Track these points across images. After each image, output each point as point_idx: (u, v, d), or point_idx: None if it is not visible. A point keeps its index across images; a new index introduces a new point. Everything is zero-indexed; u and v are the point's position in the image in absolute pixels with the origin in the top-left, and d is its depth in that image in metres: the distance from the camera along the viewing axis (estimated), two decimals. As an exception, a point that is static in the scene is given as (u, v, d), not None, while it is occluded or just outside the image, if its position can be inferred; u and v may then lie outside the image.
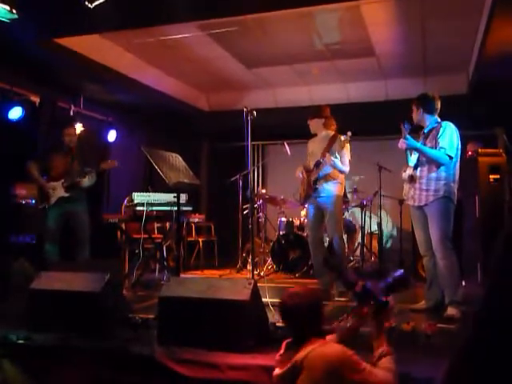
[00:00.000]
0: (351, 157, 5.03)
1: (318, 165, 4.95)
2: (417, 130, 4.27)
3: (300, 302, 2.18)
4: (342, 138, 4.83)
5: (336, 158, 4.83)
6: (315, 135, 5.20)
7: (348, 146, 4.96)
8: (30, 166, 5.36)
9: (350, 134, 4.79)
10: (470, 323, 0.91)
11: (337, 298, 4.77)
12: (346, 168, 4.95)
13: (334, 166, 4.84)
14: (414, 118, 4.25)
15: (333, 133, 5.06)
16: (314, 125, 5.13)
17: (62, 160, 5.43)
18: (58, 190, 5.29)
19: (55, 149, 5.53)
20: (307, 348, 2.06)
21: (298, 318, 2.17)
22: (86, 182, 5.38)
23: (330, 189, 4.92)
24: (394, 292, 2.30)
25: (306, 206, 5.17)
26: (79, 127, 6.47)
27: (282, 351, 2.24)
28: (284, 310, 2.24)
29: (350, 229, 7.17)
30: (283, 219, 7.33)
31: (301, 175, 5.11)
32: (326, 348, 2.06)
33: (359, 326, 2.39)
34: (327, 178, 4.93)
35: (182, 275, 5.00)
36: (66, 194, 5.28)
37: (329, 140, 4.98)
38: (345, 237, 5.28)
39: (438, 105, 4.19)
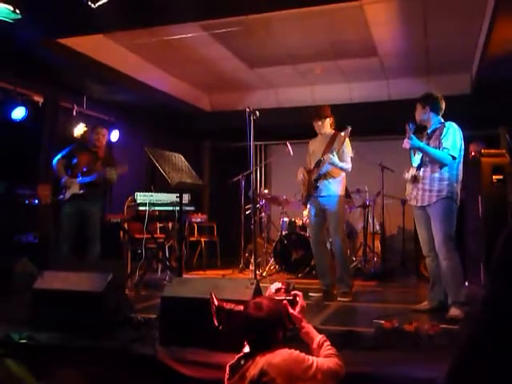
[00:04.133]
0: (353, 154, 5.00)
1: (318, 164, 4.94)
2: (421, 130, 4.26)
3: (262, 315, 2.17)
4: (342, 133, 4.82)
5: (334, 156, 4.80)
6: (316, 135, 5.19)
7: (348, 142, 4.94)
8: (59, 163, 5.47)
9: (349, 128, 4.77)
10: (470, 323, 0.91)
11: (339, 298, 4.78)
12: (347, 165, 4.90)
13: (333, 164, 4.82)
14: (418, 117, 4.21)
15: (333, 131, 5.05)
16: (323, 125, 5.08)
17: (86, 159, 5.48)
18: (73, 187, 5.33)
19: (81, 147, 5.56)
20: (258, 363, 2.07)
21: (258, 329, 2.17)
22: (114, 174, 5.38)
23: (332, 188, 4.90)
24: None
25: (308, 206, 5.15)
26: (82, 127, 6.48)
27: (227, 373, 2.21)
28: (247, 321, 2.22)
29: (351, 232, 7.15)
30: (286, 219, 7.32)
31: (302, 176, 5.10)
32: (277, 356, 2.08)
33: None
34: (328, 176, 4.91)
35: (185, 275, 5.01)
36: (80, 191, 5.32)
37: (330, 138, 4.97)
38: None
39: (443, 105, 4.19)
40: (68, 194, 5.35)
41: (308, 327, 2.33)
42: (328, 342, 2.26)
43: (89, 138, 5.59)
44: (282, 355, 2.08)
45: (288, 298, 2.36)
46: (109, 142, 7.23)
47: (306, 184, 5.07)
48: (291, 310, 2.31)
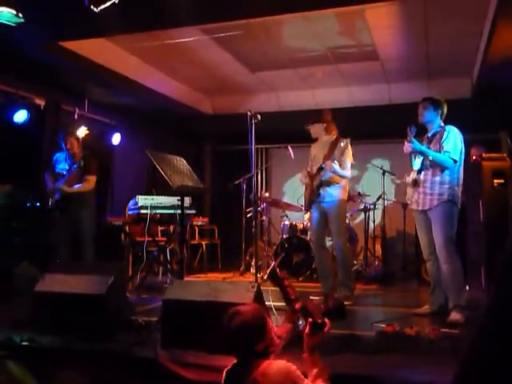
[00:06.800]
0: (353, 160, 5.01)
1: (320, 170, 4.95)
2: (421, 134, 4.26)
3: (242, 321, 2.13)
4: (342, 143, 4.84)
5: (335, 164, 4.81)
6: (316, 140, 5.20)
7: (350, 149, 4.96)
8: (48, 175, 5.54)
9: (349, 140, 4.80)
10: (473, 329, 0.91)
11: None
12: (347, 172, 4.92)
13: (335, 172, 4.84)
14: (425, 116, 4.19)
15: (334, 137, 5.05)
16: (315, 130, 5.11)
17: (64, 166, 5.49)
18: (55, 194, 5.36)
19: (60, 155, 5.57)
20: (254, 371, 2.05)
21: (242, 337, 2.12)
22: (76, 188, 5.39)
23: (333, 193, 4.91)
24: (330, 317, 2.30)
25: (311, 210, 5.16)
26: (84, 130, 6.49)
27: (223, 378, 2.18)
28: (227, 332, 2.15)
29: (352, 236, 7.15)
30: (286, 223, 7.33)
31: (304, 180, 5.11)
32: (273, 367, 2.05)
33: (291, 332, 2.43)
34: (329, 182, 4.92)
35: (186, 278, 5.01)
36: (57, 196, 5.32)
37: (330, 145, 4.97)
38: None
39: (445, 110, 4.21)
40: (52, 201, 5.37)
41: (315, 355, 2.23)
42: (324, 377, 2.17)
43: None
44: (278, 367, 2.06)
45: (317, 321, 2.23)
46: (110, 143, 7.27)
47: (308, 190, 5.08)
48: (309, 336, 2.20)
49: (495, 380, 0.85)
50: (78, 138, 5.65)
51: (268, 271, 2.49)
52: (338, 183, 4.93)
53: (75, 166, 5.34)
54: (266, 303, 3.36)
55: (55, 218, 5.40)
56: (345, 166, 4.90)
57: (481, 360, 0.88)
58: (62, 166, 5.48)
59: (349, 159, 4.94)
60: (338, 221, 4.93)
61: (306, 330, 2.21)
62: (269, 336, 2.17)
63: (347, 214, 6.08)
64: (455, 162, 3.98)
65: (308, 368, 2.20)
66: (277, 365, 2.07)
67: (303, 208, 5.39)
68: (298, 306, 2.30)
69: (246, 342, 2.12)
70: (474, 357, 0.90)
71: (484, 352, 0.88)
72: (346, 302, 4.72)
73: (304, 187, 5.20)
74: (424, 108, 4.21)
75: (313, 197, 5.00)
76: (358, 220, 8.23)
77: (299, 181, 5.24)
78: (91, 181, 5.49)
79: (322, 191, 4.93)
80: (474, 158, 5.35)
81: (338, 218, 4.93)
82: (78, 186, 5.41)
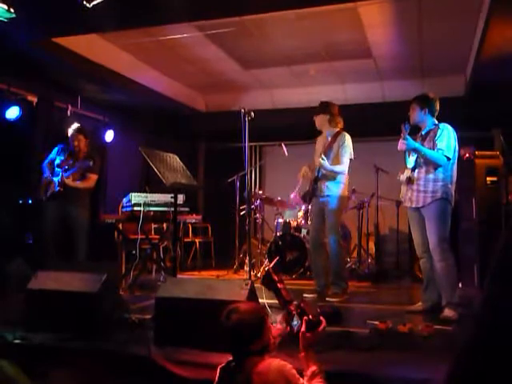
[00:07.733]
0: (352, 156, 4.94)
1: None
2: (415, 132, 4.27)
3: (240, 318, 2.13)
4: (341, 138, 4.85)
5: (323, 160, 4.76)
6: (321, 132, 5.17)
7: (348, 143, 4.90)
8: (47, 167, 5.51)
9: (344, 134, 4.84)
10: (469, 325, 0.91)
11: (328, 299, 4.76)
12: (340, 167, 4.85)
13: (324, 168, 4.81)
14: (414, 118, 4.22)
15: (336, 131, 4.98)
16: (319, 121, 5.05)
17: (67, 158, 5.47)
18: (52, 185, 5.33)
19: (64, 148, 5.56)
20: (247, 369, 2.05)
21: (240, 335, 2.12)
22: (78, 184, 5.40)
23: (331, 188, 4.87)
24: (327, 321, 2.31)
25: (303, 207, 5.16)
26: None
27: (218, 375, 2.18)
28: (225, 329, 2.15)
29: (346, 233, 7.15)
30: (280, 220, 7.32)
31: (304, 174, 5.08)
32: (268, 365, 2.05)
33: (284, 332, 2.43)
34: (328, 177, 4.89)
35: (179, 276, 5.00)
36: (56, 189, 5.31)
37: (331, 138, 4.96)
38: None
39: (437, 106, 4.21)
40: (49, 193, 5.36)
41: (310, 354, 2.23)
42: (320, 376, 2.17)
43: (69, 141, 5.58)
44: (273, 365, 2.06)
45: (312, 319, 2.25)
46: (103, 141, 7.24)
47: (309, 183, 5.06)
48: (307, 333, 2.21)
49: (489, 377, 0.85)
50: (87, 137, 5.63)
51: (261, 276, 2.49)
52: (335, 178, 4.88)
53: (78, 163, 5.34)
54: (260, 301, 3.35)
55: (47, 213, 5.36)
56: (341, 161, 4.86)
57: (474, 357, 0.87)
58: (62, 158, 5.45)
59: (347, 154, 4.88)
60: (332, 217, 4.87)
61: (302, 329, 2.21)
62: (266, 335, 2.16)
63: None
64: (448, 159, 3.99)
65: (304, 367, 2.20)
66: (272, 363, 2.07)
67: (306, 202, 5.36)
68: (292, 306, 2.31)
69: (243, 339, 2.11)
70: (467, 353, 0.90)
71: (477, 348, 0.88)
72: (334, 299, 4.72)
73: (307, 181, 5.17)
74: (412, 110, 4.23)
75: (311, 191, 4.99)
76: (351, 217, 8.22)
77: (300, 175, 5.18)
78: (92, 179, 5.51)
79: (319, 185, 4.92)
80: (466, 155, 5.37)
81: (333, 215, 4.87)
82: (79, 182, 5.41)
